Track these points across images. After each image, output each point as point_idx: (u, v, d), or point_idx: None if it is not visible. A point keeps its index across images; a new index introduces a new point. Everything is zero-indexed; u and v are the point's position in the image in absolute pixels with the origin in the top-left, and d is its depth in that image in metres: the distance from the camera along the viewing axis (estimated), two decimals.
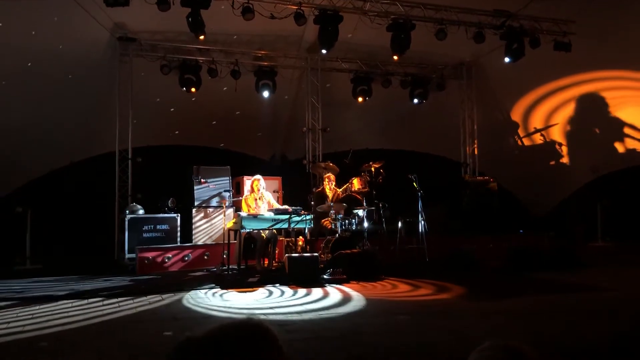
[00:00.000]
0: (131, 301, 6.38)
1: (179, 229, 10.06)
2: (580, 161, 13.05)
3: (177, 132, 12.54)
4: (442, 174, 13.12)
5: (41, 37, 9.37)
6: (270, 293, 6.99)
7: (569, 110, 12.66)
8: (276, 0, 9.42)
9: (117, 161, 10.78)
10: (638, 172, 11.85)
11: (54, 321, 5.33)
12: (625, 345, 4.30)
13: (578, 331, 4.82)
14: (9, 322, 5.25)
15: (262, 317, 5.33)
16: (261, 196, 9.03)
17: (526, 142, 13.85)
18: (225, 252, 8.94)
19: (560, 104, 12.69)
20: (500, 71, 12.49)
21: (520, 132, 13.78)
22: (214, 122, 12.58)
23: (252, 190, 9.04)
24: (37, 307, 5.98)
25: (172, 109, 12.02)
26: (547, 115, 13.09)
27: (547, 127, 13.20)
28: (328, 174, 9.95)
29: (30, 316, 5.54)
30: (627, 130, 11.86)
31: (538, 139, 13.49)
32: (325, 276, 7.94)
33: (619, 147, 12.13)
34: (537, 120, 13.33)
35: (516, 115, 13.55)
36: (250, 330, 1.06)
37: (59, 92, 10.38)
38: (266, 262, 8.93)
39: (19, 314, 5.65)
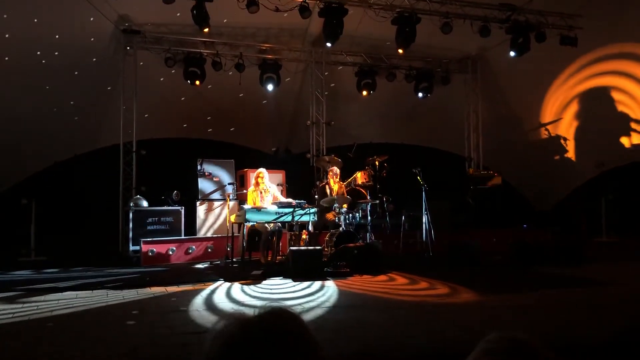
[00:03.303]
0: (135, 293, 6.40)
1: (183, 221, 10.08)
2: (586, 156, 13.00)
3: (182, 125, 12.54)
4: (447, 168, 13.09)
5: (45, 29, 9.38)
6: (274, 286, 7.01)
7: (574, 104, 12.61)
8: None
9: (122, 154, 10.79)
10: None
11: (59, 311, 5.36)
12: (628, 340, 4.29)
13: (582, 325, 4.82)
14: (14, 313, 5.28)
15: None
16: (266, 189, 9.02)
17: (531, 137, 13.80)
18: (229, 244, 8.96)
19: (566, 98, 12.64)
20: (506, 65, 12.45)
21: (525, 126, 13.73)
22: (218, 116, 12.56)
23: (257, 184, 9.03)
24: (42, 298, 6.01)
25: (176, 102, 12.01)
26: (552, 109, 13.04)
27: (552, 121, 13.15)
28: (332, 168, 9.95)
29: (35, 307, 5.57)
30: (633, 125, 11.80)
31: (543, 133, 13.44)
32: (328, 269, 7.95)
33: (625, 142, 12.07)
34: (542, 115, 13.29)
35: (521, 109, 13.50)
36: (283, 318, 1.07)
37: (63, 85, 10.39)
38: (270, 255, 8.95)
39: (24, 305, 5.68)
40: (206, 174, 10.53)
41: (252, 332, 1.01)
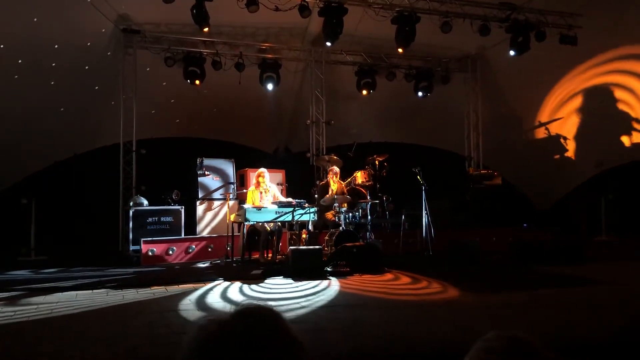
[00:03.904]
0: (135, 292, 6.40)
1: (183, 221, 10.08)
2: (585, 155, 13.00)
3: (182, 124, 12.53)
4: (446, 168, 13.10)
5: (45, 29, 9.36)
6: (274, 285, 7.01)
7: (574, 104, 12.60)
8: None
9: (122, 153, 10.79)
10: None
11: (59, 311, 5.36)
12: (628, 339, 4.30)
13: (583, 324, 4.82)
14: (14, 312, 5.29)
15: None
16: (266, 189, 9.03)
17: (531, 136, 13.80)
18: (229, 244, 8.96)
19: (566, 97, 12.64)
20: (506, 64, 12.45)
21: (525, 125, 13.73)
22: (218, 115, 12.55)
23: (257, 184, 9.04)
24: (42, 298, 6.01)
25: (176, 102, 12.01)
26: (552, 108, 13.04)
27: (551, 120, 13.14)
28: (332, 167, 9.96)
29: (35, 307, 5.57)
30: (634, 124, 11.79)
31: (543, 133, 13.44)
32: (328, 269, 7.95)
33: (625, 141, 12.07)
34: (542, 114, 13.28)
35: (521, 108, 13.50)
36: (259, 315, 1.06)
37: (63, 84, 10.38)
38: (270, 254, 8.95)
39: (24, 305, 5.68)
40: (206, 173, 10.53)
41: (227, 331, 1.00)
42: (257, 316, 1.05)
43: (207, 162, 10.68)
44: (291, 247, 8.20)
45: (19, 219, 9.90)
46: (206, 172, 10.53)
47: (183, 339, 1.03)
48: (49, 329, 4.69)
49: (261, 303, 1.15)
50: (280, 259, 8.74)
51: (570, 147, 13.22)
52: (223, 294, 6.32)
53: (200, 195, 10.50)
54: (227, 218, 9.32)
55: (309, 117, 12.48)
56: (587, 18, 10.58)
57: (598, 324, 4.81)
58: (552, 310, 5.51)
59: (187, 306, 5.62)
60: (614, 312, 5.35)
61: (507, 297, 6.15)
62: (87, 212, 10.83)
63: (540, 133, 13.49)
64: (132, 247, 9.49)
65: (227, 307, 5.61)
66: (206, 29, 9.74)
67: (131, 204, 9.90)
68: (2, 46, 9.24)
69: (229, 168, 10.91)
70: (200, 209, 10.40)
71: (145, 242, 9.06)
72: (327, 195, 9.34)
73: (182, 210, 10.12)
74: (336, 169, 9.94)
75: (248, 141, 13.59)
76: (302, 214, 8.66)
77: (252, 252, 9.00)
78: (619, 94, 11.75)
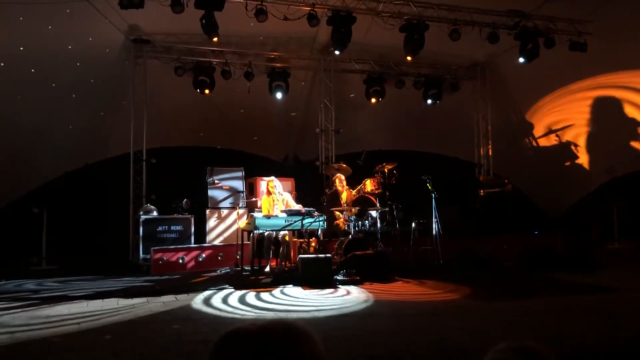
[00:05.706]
0: (145, 301, 6.41)
1: (193, 229, 10.10)
2: (596, 162, 12.90)
3: (192, 133, 12.59)
4: (456, 175, 13.04)
5: (56, 40, 9.47)
6: (284, 294, 7.00)
7: (584, 110, 12.53)
8: (289, 2, 9.43)
9: (132, 162, 10.85)
10: None
11: (69, 321, 5.37)
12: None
13: (594, 332, 4.77)
14: (25, 322, 5.31)
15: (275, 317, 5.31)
16: (277, 197, 9.01)
17: (541, 142, 13.73)
18: (239, 252, 8.97)
19: (576, 104, 12.56)
20: (515, 72, 12.41)
21: (535, 132, 13.67)
22: (227, 124, 12.60)
23: (269, 192, 9.02)
24: (53, 307, 6.04)
25: (186, 111, 12.07)
26: (562, 115, 12.97)
27: (562, 127, 13.07)
28: (339, 175, 9.93)
29: (45, 316, 5.59)
30: None
31: (553, 139, 13.36)
32: (338, 277, 7.93)
33: (637, 147, 11.97)
34: (552, 121, 13.21)
35: (531, 115, 13.44)
36: (294, 331, 1.07)
37: (74, 94, 10.48)
38: (272, 262, 8.92)
39: (35, 314, 5.70)
40: (215, 182, 10.56)
41: (258, 341, 1.01)
42: (288, 330, 1.06)
43: (217, 170, 10.71)
44: (300, 256, 8.18)
45: (30, 228, 9.98)
46: (216, 181, 10.56)
47: (214, 344, 1.05)
48: (58, 338, 4.70)
49: (292, 314, 1.17)
50: (290, 268, 8.73)
51: (581, 154, 13.13)
52: (233, 303, 6.32)
53: (210, 204, 10.52)
54: (237, 226, 9.33)
55: (318, 125, 12.50)
56: (596, 24, 10.53)
57: (610, 332, 4.76)
58: (563, 317, 5.46)
59: (197, 315, 5.63)
60: (626, 320, 5.29)
61: (518, 304, 6.11)
62: (97, 221, 10.89)
63: (551, 140, 13.42)
64: (142, 256, 9.52)
65: (239, 316, 5.61)
66: (215, 39, 9.78)
67: (141, 212, 9.94)
68: (15, 58, 9.35)
69: (238, 177, 10.93)
70: (210, 217, 10.42)
71: (156, 251, 9.09)
72: (339, 208, 9.35)
73: (192, 219, 10.14)
74: (342, 176, 9.91)
75: (257, 150, 13.63)
76: (311, 223, 8.65)
77: (262, 260, 9.00)
78: (630, 99, 11.67)
